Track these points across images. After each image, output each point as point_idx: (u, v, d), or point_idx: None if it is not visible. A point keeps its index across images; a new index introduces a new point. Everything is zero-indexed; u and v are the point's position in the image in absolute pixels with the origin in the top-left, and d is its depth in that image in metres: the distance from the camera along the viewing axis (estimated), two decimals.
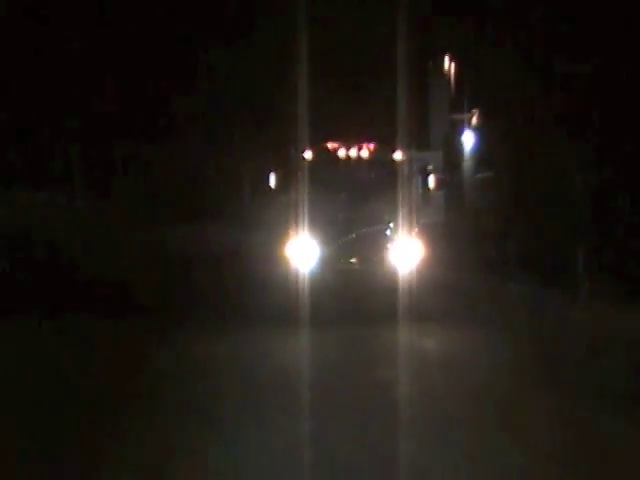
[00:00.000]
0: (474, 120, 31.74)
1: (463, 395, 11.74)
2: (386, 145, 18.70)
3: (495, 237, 25.06)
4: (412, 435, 9.70)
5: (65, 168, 24.77)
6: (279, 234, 18.34)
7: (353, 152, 18.70)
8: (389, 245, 18.28)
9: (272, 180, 18.78)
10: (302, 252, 18.05)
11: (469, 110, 31.62)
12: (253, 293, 18.53)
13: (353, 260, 18.29)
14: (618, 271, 20.78)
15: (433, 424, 10.29)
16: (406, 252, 18.09)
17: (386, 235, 18.34)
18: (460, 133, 31.77)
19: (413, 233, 18.28)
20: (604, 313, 18.49)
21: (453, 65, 32.27)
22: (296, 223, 17.97)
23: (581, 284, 20.67)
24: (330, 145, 18.80)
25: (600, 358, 13.68)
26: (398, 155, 18.52)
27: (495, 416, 10.71)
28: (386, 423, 10.23)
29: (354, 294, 17.82)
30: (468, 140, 31.64)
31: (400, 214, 18.08)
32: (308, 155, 18.53)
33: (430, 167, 19.03)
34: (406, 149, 18.58)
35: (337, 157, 18.71)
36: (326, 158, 18.64)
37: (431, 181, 18.79)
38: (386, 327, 16.49)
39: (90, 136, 24.33)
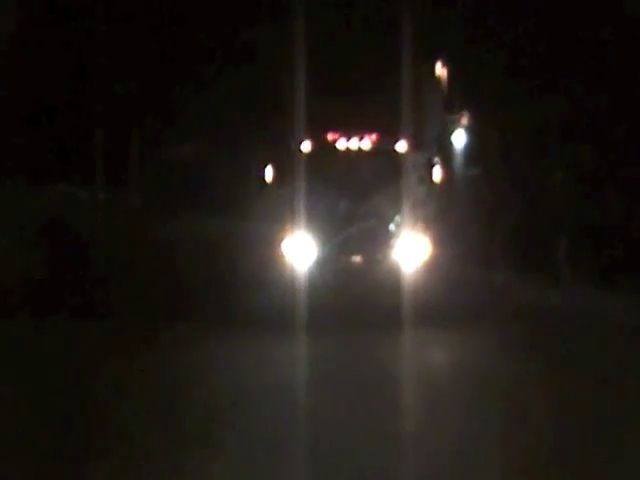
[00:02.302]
0: (464, 120, 29.43)
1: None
2: (389, 135, 15.57)
3: (482, 229, 22.88)
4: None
5: (86, 161, 21.81)
6: (276, 229, 15.32)
7: (354, 143, 15.62)
8: (393, 241, 15.15)
9: (269, 173, 15.52)
10: (300, 249, 14.95)
11: (459, 111, 29.16)
12: (247, 294, 15.54)
13: (354, 257, 15.17)
14: (596, 258, 20.12)
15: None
16: (411, 248, 15.03)
17: (389, 230, 15.24)
18: (451, 132, 28.96)
19: (417, 228, 15.15)
20: (582, 296, 18.17)
21: (445, 69, 29.89)
22: (294, 218, 14.94)
23: (561, 271, 19.73)
24: (330, 136, 15.70)
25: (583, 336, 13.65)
26: (401, 146, 15.29)
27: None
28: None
29: (355, 294, 14.79)
30: (459, 138, 29.11)
31: (404, 208, 15.08)
32: (306, 146, 15.47)
33: (436, 159, 15.66)
34: (408, 141, 15.59)
35: (337, 148, 15.66)
36: (325, 149, 15.58)
37: (436, 173, 15.41)
38: (390, 332, 13.77)
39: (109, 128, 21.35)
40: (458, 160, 29.57)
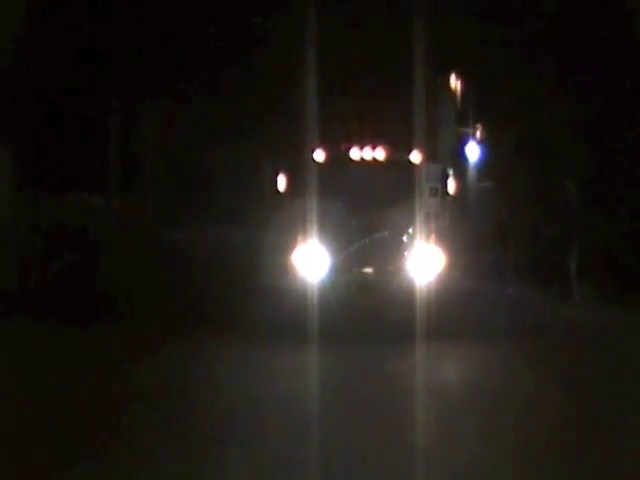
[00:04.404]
0: (478, 133, 29.64)
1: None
2: (402, 146, 14.96)
3: (495, 243, 22.45)
4: None
5: (100, 169, 21.46)
6: (289, 239, 14.58)
7: (367, 153, 14.94)
8: (406, 253, 14.43)
9: (282, 182, 14.89)
10: (312, 260, 14.24)
11: (473, 124, 29.60)
12: (257, 304, 15.01)
13: (367, 269, 14.41)
14: (609, 273, 19.28)
15: None
16: (425, 260, 14.32)
17: (403, 242, 14.51)
18: (465, 144, 29.28)
19: (431, 240, 14.50)
20: (595, 311, 17.34)
21: (459, 82, 29.62)
22: (305, 228, 14.20)
23: (573, 286, 18.92)
24: (343, 145, 15.04)
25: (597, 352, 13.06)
26: (415, 156, 14.67)
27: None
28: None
29: (368, 306, 14.08)
30: (472, 151, 29.22)
31: (418, 219, 14.39)
32: (319, 156, 14.82)
33: (450, 170, 15.05)
34: (422, 152, 14.95)
35: (350, 158, 14.97)
36: (338, 159, 14.91)
37: (450, 185, 14.79)
38: (402, 345, 13.07)
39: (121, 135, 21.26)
40: (471, 173, 29.28)
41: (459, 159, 28.44)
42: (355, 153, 14.92)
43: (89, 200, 21.18)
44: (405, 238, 14.47)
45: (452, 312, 14.29)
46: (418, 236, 14.33)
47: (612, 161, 22.00)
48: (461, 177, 27.65)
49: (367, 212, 14.51)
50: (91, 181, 21.31)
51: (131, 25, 20.10)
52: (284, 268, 14.35)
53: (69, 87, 20.17)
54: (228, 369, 11.56)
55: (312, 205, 14.10)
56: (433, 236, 14.64)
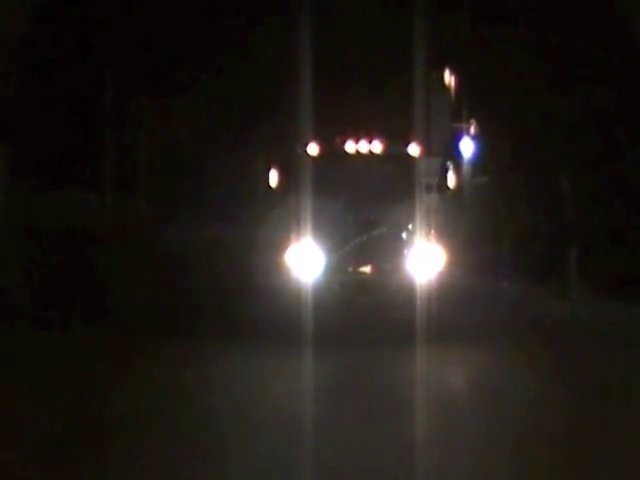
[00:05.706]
0: (472, 129, 29.28)
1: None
2: (399, 139, 14.37)
3: (491, 239, 22.64)
4: None
5: (94, 167, 21.30)
6: (280, 238, 14.01)
7: (363, 146, 14.29)
8: (404, 250, 13.84)
9: (274, 177, 14.28)
10: (306, 258, 13.64)
11: (468, 120, 28.93)
12: (251, 305, 14.46)
13: (364, 267, 13.81)
14: (607, 270, 19.42)
15: None
16: (424, 258, 13.73)
17: (401, 239, 13.92)
18: (459, 140, 28.72)
19: (431, 236, 13.92)
20: (595, 309, 17.20)
21: (453, 77, 29.41)
22: (299, 226, 13.61)
23: (572, 283, 18.80)
24: (337, 138, 14.41)
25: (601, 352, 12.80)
26: (414, 149, 14.02)
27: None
28: None
29: (365, 307, 13.52)
30: (466, 147, 28.64)
31: (417, 215, 13.78)
32: (312, 149, 14.16)
33: (450, 164, 14.40)
34: (420, 145, 14.37)
35: (345, 152, 14.33)
36: (332, 153, 14.28)
37: (450, 179, 14.13)
38: (401, 347, 12.63)
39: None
40: (465, 168, 28.97)
41: (454, 154, 28.13)
42: (350, 146, 14.29)
43: (84, 198, 20.78)
44: (403, 235, 13.93)
45: (450, 311, 13.77)
46: (418, 233, 13.78)
47: (610, 157, 21.82)
48: (457, 172, 27.39)
49: (363, 208, 13.96)
50: (86, 179, 20.91)
51: (126, 20, 19.64)
52: (277, 267, 13.82)
53: (64, 85, 19.73)
54: (222, 370, 11.27)
55: (306, 201, 13.54)
56: (432, 232, 14.07)
